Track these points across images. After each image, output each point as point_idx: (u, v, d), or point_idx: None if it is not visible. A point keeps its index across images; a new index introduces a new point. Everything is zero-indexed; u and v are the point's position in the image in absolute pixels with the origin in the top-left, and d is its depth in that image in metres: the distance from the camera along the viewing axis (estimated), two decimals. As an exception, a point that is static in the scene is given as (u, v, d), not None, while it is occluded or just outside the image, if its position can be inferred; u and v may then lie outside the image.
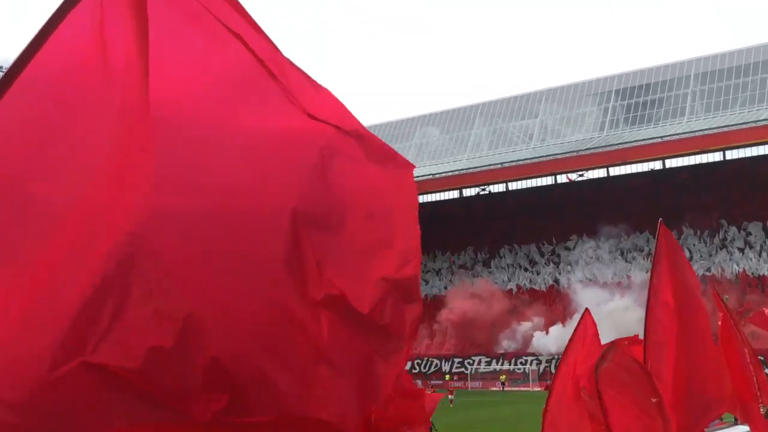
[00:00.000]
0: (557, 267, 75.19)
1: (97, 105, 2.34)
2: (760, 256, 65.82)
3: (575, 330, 6.85)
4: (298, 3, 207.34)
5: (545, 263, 76.41)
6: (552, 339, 59.84)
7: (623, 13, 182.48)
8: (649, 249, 60.64)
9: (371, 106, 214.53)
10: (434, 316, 71.61)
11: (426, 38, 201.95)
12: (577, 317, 9.30)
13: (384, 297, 2.73)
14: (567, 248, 76.01)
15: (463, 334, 69.06)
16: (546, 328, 64.44)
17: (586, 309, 7.07)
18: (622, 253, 71.10)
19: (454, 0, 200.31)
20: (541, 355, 62.66)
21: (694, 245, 67.78)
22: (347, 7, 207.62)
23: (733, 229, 68.95)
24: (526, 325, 66.61)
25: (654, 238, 6.59)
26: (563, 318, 63.03)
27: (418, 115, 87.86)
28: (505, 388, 60.80)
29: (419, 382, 66.01)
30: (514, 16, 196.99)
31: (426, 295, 79.31)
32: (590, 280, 68.07)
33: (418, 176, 72.12)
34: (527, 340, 65.55)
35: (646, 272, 48.08)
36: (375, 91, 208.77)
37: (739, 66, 68.96)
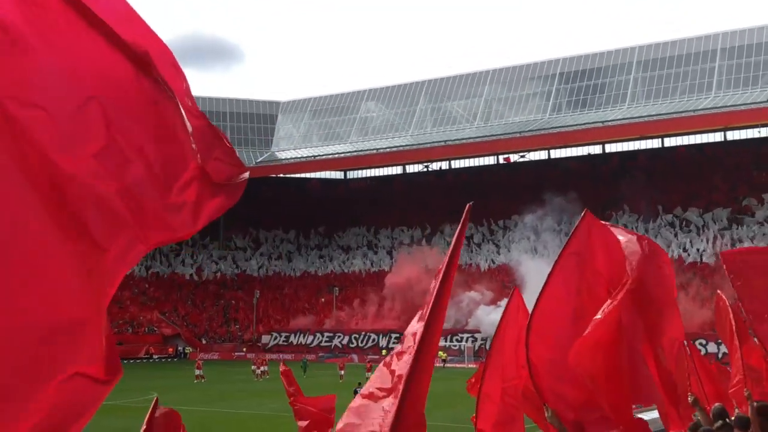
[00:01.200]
0: (497, 246, 76.04)
1: None
2: (694, 242, 67.37)
3: (504, 312, 6.50)
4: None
5: (486, 241, 77.22)
6: (492, 316, 60.29)
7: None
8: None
9: (315, 78, 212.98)
10: (378, 290, 72.11)
11: (372, 13, 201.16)
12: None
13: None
14: (507, 227, 76.88)
15: (405, 308, 69.46)
16: (485, 305, 64.79)
17: (515, 288, 6.88)
18: (562, 234, 72.13)
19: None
20: (479, 332, 63.28)
21: (632, 229, 69.00)
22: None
23: (670, 215, 70.44)
24: (465, 301, 66.80)
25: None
26: (501, 296, 63.68)
27: (361, 89, 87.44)
28: (446, 365, 60.87)
29: (355, 356, 66.36)
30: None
31: (369, 270, 79.65)
32: (530, 259, 68.79)
33: (361, 150, 72.30)
34: (467, 316, 65.97)
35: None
36: (319, 63, 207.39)
37: (680, 55, 70.15)
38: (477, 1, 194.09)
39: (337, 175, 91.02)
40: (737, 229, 67.04)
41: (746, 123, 65.76)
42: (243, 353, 70.28)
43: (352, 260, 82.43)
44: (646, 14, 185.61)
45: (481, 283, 68.32)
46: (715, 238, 66.69)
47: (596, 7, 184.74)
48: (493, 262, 74.08)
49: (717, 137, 74.08)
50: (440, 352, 64.10)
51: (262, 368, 49.21)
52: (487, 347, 7.78)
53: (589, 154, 78.05)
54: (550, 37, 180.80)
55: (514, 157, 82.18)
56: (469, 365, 58.58)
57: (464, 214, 3.54)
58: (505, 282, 66.41)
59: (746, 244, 64.29)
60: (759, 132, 67.94)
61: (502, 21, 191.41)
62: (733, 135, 72.67)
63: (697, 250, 66.30)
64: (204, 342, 74.59)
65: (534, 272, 55.71)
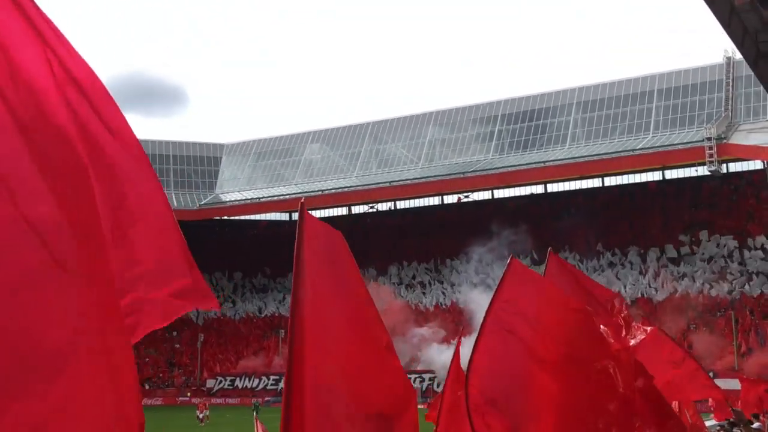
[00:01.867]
0: (442, 285, 76.28)
1: None
2: (637, 280, 68.45)
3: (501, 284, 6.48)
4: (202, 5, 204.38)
5: (434, 281, 77.42)
6: (444, 356, 60.02)
7: (509, 40, 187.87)
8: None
9: (258, 121, 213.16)
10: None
11: (315, 55, 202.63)
12: (467, 335, 9.39)
13: None
14: (452, 267, 77.23)
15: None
16: (437, 343, 64.50)
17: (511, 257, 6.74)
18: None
19: (344, 17, 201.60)
20: (427, 372, 63.02)
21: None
22: (233, 16, 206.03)
23: (608, 254, 71.55)
24: (416, 339, 66.39)
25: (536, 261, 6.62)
26: (450, 336, 63.62)
27: (305, 131, 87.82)
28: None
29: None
30: (404, 37, 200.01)
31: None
32: (474, 299, 68.96)
33: (306, 192, 72.14)
34: (415, 357, 65.53)
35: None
36: (262, 106, 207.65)
37: (618, 96, 71.92)
38: (418, 45, 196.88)
39: (283, 216, 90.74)
40: (677, 266, 68.39)
41: (684, 162, 67.37)
42: (187, 398, 69.04)
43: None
44: (586, 55, 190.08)
45: (433, 321, 68.18)
46: (655, 274, 67.94)
47: (535, 49, 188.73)
48: (443, 303, 74.18)
49: (656, 176, 75.70)
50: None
51: (204, 412, 48.73)
52: (438, 388, 7.92)
53: (531, 194, 79.10)
54: (490, 79, 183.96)
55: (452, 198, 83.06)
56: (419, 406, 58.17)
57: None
58: (456, 320, 66.48)
59: (686, 281, 65.69)
60: (696, 170, 69.62)
61: (441, 63, 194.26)
62: (671, 174, 74.36)
63: (637, 287, 67.35)
64: (147, 387, 73.15)
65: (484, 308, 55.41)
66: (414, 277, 78.83)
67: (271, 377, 70.92)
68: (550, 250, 7.08)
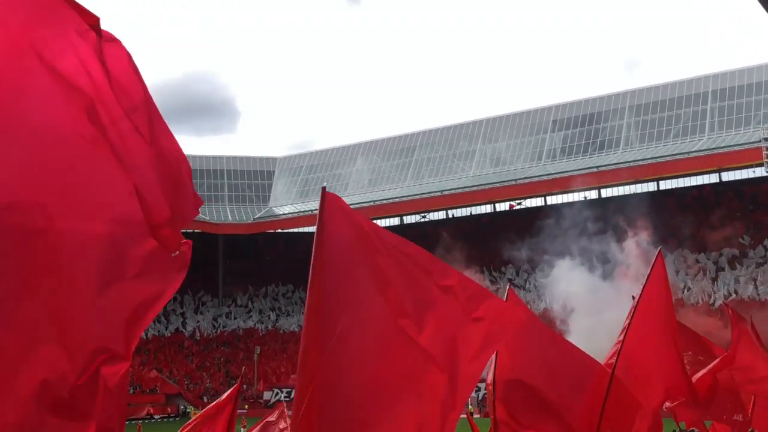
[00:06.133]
0: (497, 292, 75.71)
1: None
2: (699, 284, 67.21)
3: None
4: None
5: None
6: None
7: (558, 47, 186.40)
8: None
9: (315, 132, 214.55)
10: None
11: (369, 65, 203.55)
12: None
13: None
14: (501, 272, 76.79)
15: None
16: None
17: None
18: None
19: (408, 26, 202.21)
20: (481, 382, 62.63)
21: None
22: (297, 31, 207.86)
23: (669, 257, 70.41)
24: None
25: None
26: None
27: (356, 143, 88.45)
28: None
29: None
30: (452, 45, 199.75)
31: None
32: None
33: (359, 203, 72.26)
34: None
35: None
36: (318, 119, 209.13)
37: (672, 98, 70.99)
38: (466, 52, 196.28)
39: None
40: (734, 270, 67.08)
41: (740, 163, 66.14)
42: (245, 410, 69.57)
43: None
44: (639, 58, 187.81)
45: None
46: (713, 278, 66.73)
47: (587, 53, 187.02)
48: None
49: (712, 178, 74.23)
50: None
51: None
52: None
53: (585, 198, 78.23)
54: (542, 85, 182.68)
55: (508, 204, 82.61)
56: (475, 415, 58.02)
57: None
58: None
59: (742, 285, 64.30)
60: (754, 172, 68.18)
61: (492, 71, 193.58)
62: (727, 176, 72.88)
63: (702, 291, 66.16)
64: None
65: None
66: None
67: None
68: (660, 249, 8.41)
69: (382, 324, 4.84)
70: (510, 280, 75.17)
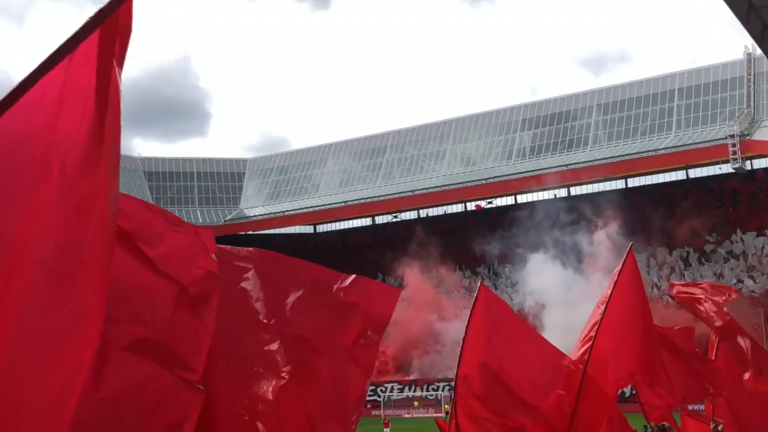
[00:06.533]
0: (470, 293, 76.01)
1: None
2: (668, 281, 67.84)
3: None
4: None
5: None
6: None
7: (526, 45, 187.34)
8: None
9: (286, 134, 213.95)
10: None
11: (339, 67, 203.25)
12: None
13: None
14: (476, 274, 77.04)
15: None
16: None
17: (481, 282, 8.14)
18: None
19: (377, 27, 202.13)
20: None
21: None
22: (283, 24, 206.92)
23: (638, 255, 70.96)
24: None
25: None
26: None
27: (330, 143, 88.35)
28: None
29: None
30: (421, 45, 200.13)
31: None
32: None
33: (330, 204, 71.90)
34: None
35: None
36: (289, 120, 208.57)
37: (639, 96, 71.74)
38: (452, 51, 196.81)
39: (307, 229, 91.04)
40: (702, 266, 67.87)
41: (707, 160, 66.93)
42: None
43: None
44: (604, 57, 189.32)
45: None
46: (681, 275, 67.42)
47: (554, 52, 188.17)
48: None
49: (680, 175, 74.98)
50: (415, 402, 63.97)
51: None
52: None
53: (555, 197, 78.75)
54: (509, 84, 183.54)
55: (481, 204, 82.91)
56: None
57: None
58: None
59: (713, 280, 65.04)
60: (720, 168, 68.96)
61: (459, 70, 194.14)
62: (694, 173, 73.66)
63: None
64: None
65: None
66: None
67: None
68: (630, 246, 8.94)
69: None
70: (482, 277, 75.39)
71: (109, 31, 2.70)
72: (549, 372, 7.76)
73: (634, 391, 9.44)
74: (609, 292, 8.23)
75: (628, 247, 8.78)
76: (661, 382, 8.50)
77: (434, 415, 59.69)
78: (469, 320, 7.71)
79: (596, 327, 7.99)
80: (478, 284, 8.10)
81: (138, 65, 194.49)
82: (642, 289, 8.74)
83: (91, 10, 2.74)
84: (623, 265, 8.48)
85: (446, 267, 74.17)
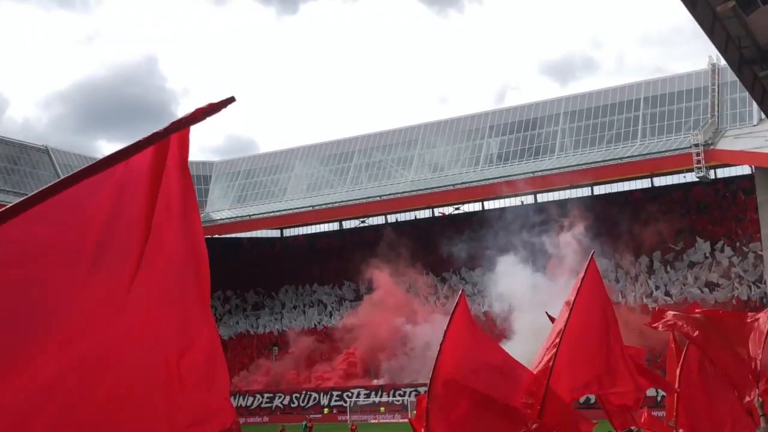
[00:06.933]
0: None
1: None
2: (631, 287, 68.47)
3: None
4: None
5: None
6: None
7: (495, 52, 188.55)
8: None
9: (252, 137, 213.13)
10: (335, 347, 72.25)
11: (305, 71, 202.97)
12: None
13: None
14: (443, 279, 77.23)
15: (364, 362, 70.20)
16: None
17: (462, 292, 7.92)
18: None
19: (343, 32, 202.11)
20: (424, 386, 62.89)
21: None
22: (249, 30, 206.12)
23: (604, 261, 71.51)
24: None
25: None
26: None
27: (297, 147, 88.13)
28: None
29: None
30: (388, 50, 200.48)
31: (315, 327, 78.72)
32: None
33: (297, 208, 71.71)
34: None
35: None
36: (255, 124, 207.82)
37: (605, 105, 72.43)
38: (412, 56, 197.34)
39: (274, 233, 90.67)
40: (667, 273, 68.51)
41: (672, 168, 67.63)
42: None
43: (293, 319, 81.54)
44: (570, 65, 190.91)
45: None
46: (645, 282, 68.01)
47: (522, 59, 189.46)
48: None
49: (645, 183, 75.68)
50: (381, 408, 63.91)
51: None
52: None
53: (522, 203, 79.19)
54: (477, 92, 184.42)
55: (448, 210, 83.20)
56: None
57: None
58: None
59: (677, 288, 65.76)
60: (684, 177, 69.72)
61: (429, 75, 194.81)
62: (659, 181, 74.43)
63: (634, 293, 67.35)
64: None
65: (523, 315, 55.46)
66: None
67: (265, 395, 70.68)
68: (593, 252, 8.90)
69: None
70: (449, 285, 75.66)
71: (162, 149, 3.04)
72: (516, 384, 7.70)
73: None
74: (572, 298, 8.21)
75: (590, 255, 8.74)
76: (623, 382, 8.45)
77: (401, 421, 59.66)
78: (446, 331, 7.51)
79: (559, 335, 7.97)
80: (459, 293, 7.90)
81: (105, 65, 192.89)
82: (605, 296, 8.70)
83: (57, 14, 2.68)
84: (585, 272, 8.46)
85: (414, 270, 74.42)
